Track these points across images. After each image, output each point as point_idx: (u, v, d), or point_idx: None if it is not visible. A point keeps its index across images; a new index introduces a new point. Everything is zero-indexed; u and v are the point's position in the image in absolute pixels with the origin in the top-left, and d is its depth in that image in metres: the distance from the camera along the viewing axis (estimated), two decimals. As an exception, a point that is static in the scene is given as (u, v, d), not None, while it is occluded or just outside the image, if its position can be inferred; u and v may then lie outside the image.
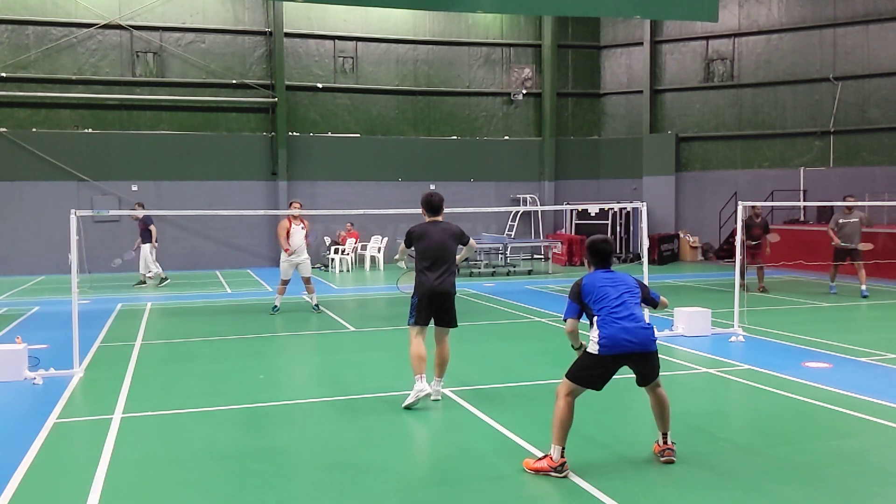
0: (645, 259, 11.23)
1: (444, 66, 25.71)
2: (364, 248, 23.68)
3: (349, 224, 23.89)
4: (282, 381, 8.90)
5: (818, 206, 22.48)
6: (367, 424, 6.80)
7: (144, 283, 18.58)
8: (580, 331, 5.71)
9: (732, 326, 10.94)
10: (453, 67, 25.81)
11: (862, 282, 15.25)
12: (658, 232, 24.45)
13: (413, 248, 7.54)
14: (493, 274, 20.52)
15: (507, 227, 25.79)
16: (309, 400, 7.75)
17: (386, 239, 23.31)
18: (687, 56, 25.87)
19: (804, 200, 23.09)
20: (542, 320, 12.63)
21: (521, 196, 25.96)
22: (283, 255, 13.51)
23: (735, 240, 11.72)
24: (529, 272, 21.16)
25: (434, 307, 7.35)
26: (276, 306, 13.71)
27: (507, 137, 26.38)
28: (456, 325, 7.50)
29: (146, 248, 18.45)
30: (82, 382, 8.49)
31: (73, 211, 8.97)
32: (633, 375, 5.68)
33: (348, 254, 22.71)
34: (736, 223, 12.75)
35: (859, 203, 15.85)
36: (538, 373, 8.78)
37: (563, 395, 5.57)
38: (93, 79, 22.57)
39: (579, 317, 5.72)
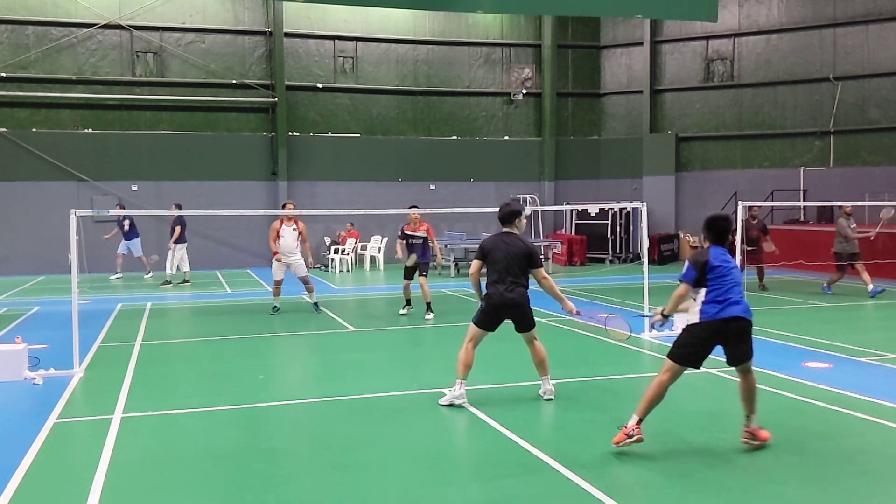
0: (645, 259, 11.23)
1: (444, 66, 25.71)
2: (364, 248, 23.68)
3: (349, 224, 23.89)
4: (282, 381, 8.90)
5: (818, 206, 22.48)
6: (367, 424, 6.80)
7: (187, 281, 18.85)
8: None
9: (732, 326, 10.93)
10: (453, 67, 25.80)
11: (868, 282, 15.07)
12: (658, 232, 24.45)
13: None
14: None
15: (508, 227, 25.72)
16: (309, 400, 7.75)
17: (386, 239, 23.31)
18: (687, 56, 25.87)
19: (804, 200, 23.09)
20: (543, 320, 12.59)
21: (521, 196, 25.94)
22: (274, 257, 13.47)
23: (735, 239, 11.76)
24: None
25: (503, 317, 7.41)
26: (275, 307, 13.70)
27: (507, 137, 26.37)
28: (532, 327, 7.49)
29: (179, 247, 18.68)
30: (82, 382, 8.49)
31: (73, 211, 8.97)
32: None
33: (348, 254, 22.71)
34: (736, 223, 12.76)
35: (851, 203, 16.05)
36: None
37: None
38: (93, 79, 22.56)
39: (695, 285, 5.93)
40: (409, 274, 13.22)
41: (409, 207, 13.29)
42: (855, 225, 15.47)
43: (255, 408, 7.43)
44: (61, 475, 5.63)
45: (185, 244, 18.97)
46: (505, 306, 7.30)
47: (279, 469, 5.67)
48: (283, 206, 14.31)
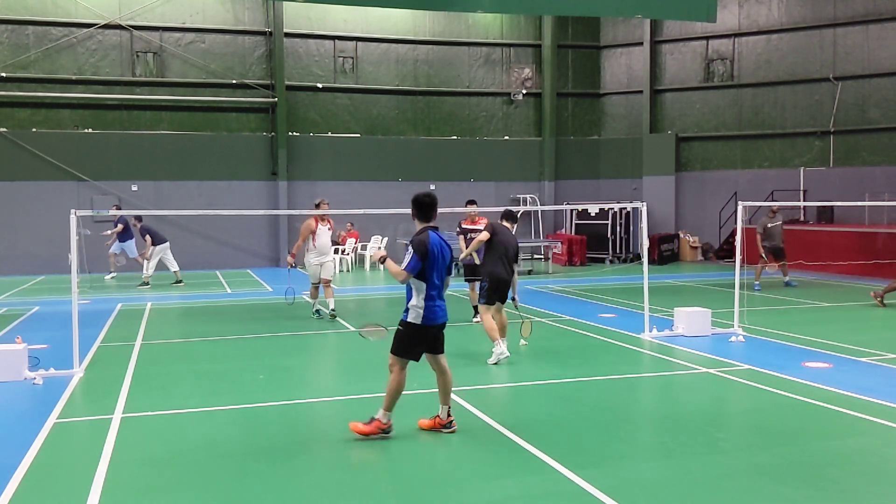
0: (645, 259, 11.24)
1: (444, 66, 25.71)
2: (364, 248, 23.67)
3: (349, 224, 23.89)
4: (282, 380, 8.89)
5: (818, 206, 22.49)
6: (367, 424, 6.80)
7: (180, 281, 18.84)
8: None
9: (732, 326, 10.95)
10: (453, 67, 25.80)
11: (785, 274, 16.78)
12: (658, 232, 24.44)
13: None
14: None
15: (507, 227, 25.73)
16: (309, 400, 7.76)
17: (386, 239, 23.30)
18: (687, 56, 25.87)
19: (804, 200, 23.09)
20: (543, 320, 12.62)
21: (521, 196, 25.96)
22: (309, 257, 12.90)
23: (735, 240, 11.76)
24: (529, 272, 21.15)
25: (503, 292, 9.39)
26: (318, 310, 13.08)
27: (507, 137, 26.37)
28: (505, 300, 9.55)
29: (158, 249, 18.59)
30: (82, 382, 8.49)
31: (73, 211, 8.97)
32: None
33: (348, 254, 22.71)
34: (736, 223, 12.75)
35: (779, 204, 17.25)
36: (538, 373, 8.77)
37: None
38: (93, 79, 22.56)
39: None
40: (471, 274, 12.26)
41: (467, 203, 12.60)
42: (779, 222, 16.88)
43: (255, 408, 7.43)
44: (61, 475, 5.63)
45: (166, 244, 18.78)
46: (503, 282, 9.31)
47: (279, 469, 5.67)
48: (318, 205, 13.10)
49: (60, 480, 5.52)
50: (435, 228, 6.49)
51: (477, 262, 12.21)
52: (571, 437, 6.36)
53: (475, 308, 12.26)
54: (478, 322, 12.24)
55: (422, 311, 6.30)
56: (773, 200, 23.01)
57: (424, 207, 6.50)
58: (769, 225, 16.49)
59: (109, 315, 13.64)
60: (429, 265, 6.28)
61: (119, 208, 20.69)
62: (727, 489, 5.18)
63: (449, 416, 6.49)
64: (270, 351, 10.59)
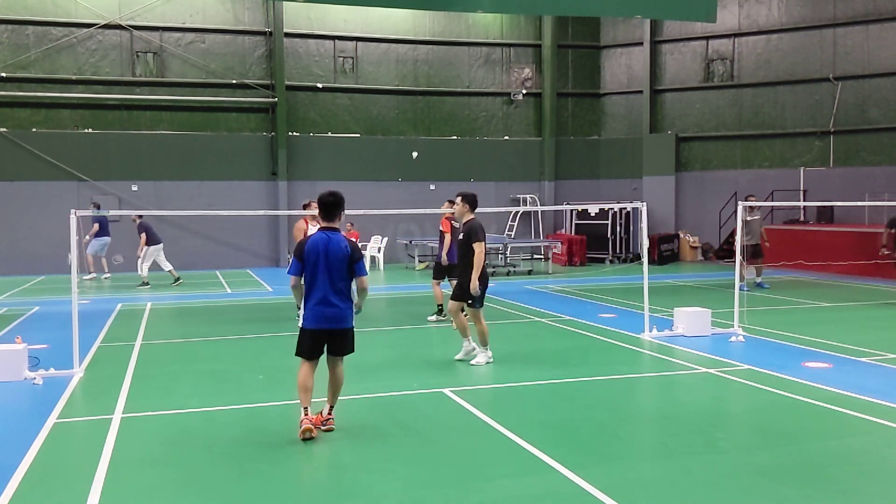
0: (645, 259, 11.24)
1: (444, 66, 25.71)
2: (364, 248, 23.67)
3: (349, 224, 23.88)
4: (282, 381, 8.88)
5: (818, 206, 22.50)
6: (367, 424, 6.80)
7: (178, 279, 18.79)
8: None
9: (732, 326, 10.95)
10: (453, 67, 25.81)
11: (759, 275, 16.63)
12: (658, 232, 24.44)
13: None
14: (492, 274, 20.49)
15: (507, 227, 25.79)
16: (309, 400, 7.74)
17: (386, 239, 23.30)
18: (687, 56, 25.87)
19: (804, 200, 23.09)
20: (542, 320, 12.63)
21: (521, 196, 25.96)
22: None
23: (735, 240, 11.76)
24: (529, 272, 21.15)
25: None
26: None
27: (507, 137, 26.38)
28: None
29: (152, 250, 18.54)
30: (82, 382, 8.49)
31: (73, 211, 8.97)
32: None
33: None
34: (736, 223, 12.75)
35: (760, 203, 17.01)
36: (538, 373, 8.77)
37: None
38: (93, 79, 22.57)
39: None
40: (439, 274, 12.38)
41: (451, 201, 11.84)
42: (758, 217, 16.71)
43: (255, 408, 7.43)
44: (61, 475, 5.63)
45: (160, 245, 18.69)
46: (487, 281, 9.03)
47: (279, 469, 5.67)
48: (307, 206, 12.74)
49: (60, 480, 5.52)
50: (333, 230, 6.37)
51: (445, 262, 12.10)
52: (571, 437, 6.36)
53: (440, 307, 12.50)
54: (431, 321, 12.44)
55: (302, 314, 6.37)
56: (772, 200, 23.03)
57: (325, 207, 6.41)
58: (748, 219, 16.07)
59: (109, 315, 13.64)
60: (308, 267, 6.22)
61: (98, 207, 20.26)
62: (727, 489, 5.18)
63: (329, 414, 6.55)
64: (270, 351, 10.58)
